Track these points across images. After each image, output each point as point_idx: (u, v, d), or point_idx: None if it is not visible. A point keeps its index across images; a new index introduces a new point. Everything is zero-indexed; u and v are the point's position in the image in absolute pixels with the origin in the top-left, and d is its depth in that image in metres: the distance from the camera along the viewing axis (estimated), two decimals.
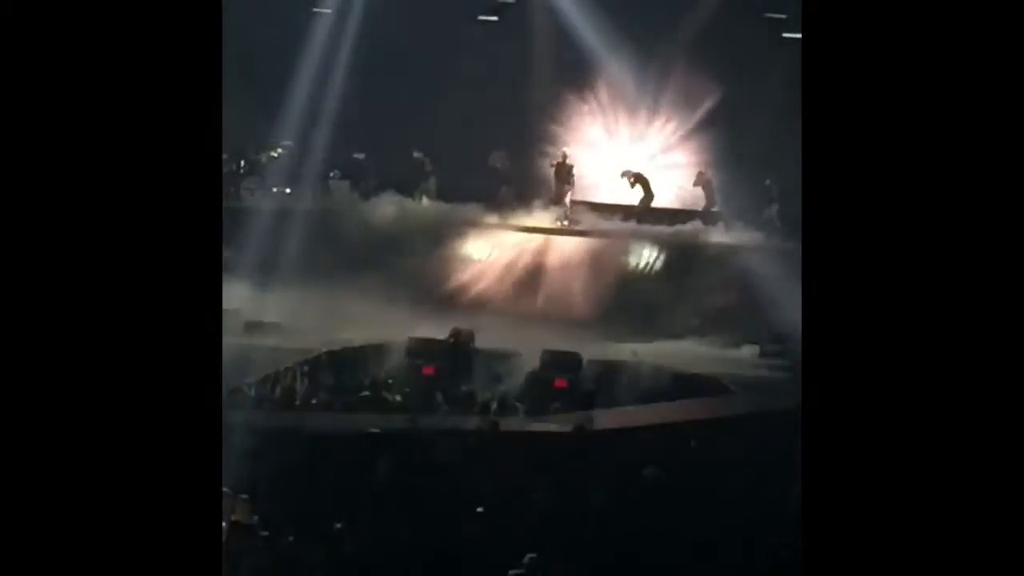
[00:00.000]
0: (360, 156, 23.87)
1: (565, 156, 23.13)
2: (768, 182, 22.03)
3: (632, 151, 24.04)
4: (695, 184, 23.16)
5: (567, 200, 22.87)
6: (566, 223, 22.61)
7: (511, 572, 10.12)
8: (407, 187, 23.61)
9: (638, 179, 23.14)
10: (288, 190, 23.24)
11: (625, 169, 23.33)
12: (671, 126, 24.14)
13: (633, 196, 23.25)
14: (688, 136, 23.93)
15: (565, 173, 22.96)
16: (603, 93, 24.31)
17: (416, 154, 23.64)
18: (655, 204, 23.33)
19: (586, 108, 24.42)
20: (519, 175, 23.65)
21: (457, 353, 17.94)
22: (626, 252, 21.84)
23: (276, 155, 23.45)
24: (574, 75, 24.21)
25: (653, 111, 24.19)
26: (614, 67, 23.82)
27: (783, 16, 23.72)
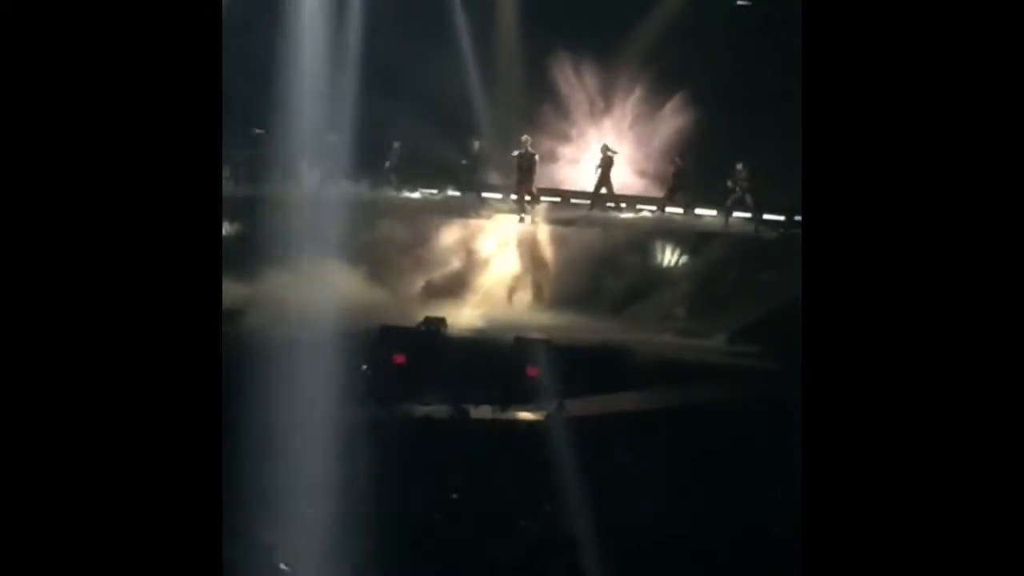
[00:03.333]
0: (333, 139, 23.79)
1: (527, 146, 22.91)
2: (739, 166, 21.98)
3: (603, 137, 24.00)
4: (668, 172, 23.19)
5: (531, 191, 22.75)
6: (529, 215, 22.52)
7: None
8: (379, 175, 23.57)
9: (604, 163, 23.13)
10: (260, 177, 23.09)
11: (604, 145, 23.30)
12: (640, 112, 24.17)
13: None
14: (657, 122, 23.96)
15: (527, 164, 22.79)
16: (573, 80, 24.29)
17: (394, 144, 23.58)
18: (649, 193, 23.40)
19: (557, 96, 24.39)
20: (493, 162, 23.60)
21: (429, 341, 17.92)
22: (597, 240, 21.85)
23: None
24: (543, 63, 24.20)
25: (623, 98, 24.20)
26: (583, 54, 23.83)
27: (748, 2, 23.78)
